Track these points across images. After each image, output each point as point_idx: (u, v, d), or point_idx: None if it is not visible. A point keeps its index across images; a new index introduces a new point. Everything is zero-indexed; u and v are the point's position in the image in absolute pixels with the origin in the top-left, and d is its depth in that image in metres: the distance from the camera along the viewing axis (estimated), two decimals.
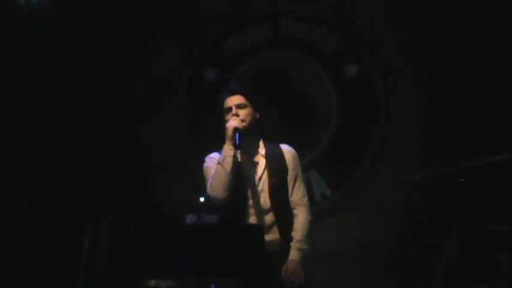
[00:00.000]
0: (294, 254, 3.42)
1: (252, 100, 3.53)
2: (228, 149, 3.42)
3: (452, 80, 4.75)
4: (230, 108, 3.49)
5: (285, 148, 3.61)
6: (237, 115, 3.46)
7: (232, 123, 3.43)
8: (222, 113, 3.54)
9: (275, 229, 3.47)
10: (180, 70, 5.33)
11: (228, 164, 3.39)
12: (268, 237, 3.34)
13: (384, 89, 4.99)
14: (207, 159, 3.58)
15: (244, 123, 3.46)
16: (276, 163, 3.53)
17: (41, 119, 4.80)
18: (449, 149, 4.56)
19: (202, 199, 3.91)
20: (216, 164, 3.43)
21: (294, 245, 3.43)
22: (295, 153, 3.62)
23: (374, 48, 5.05)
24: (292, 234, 3.47)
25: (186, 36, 5.31)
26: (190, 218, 3.56)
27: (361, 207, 4.91)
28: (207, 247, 2.86)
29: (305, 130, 5.06)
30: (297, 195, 3.53)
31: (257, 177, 3.50)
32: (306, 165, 4.85)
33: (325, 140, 5.06)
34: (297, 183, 3.55)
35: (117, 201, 4.27)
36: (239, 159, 3.46)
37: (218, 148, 3.50)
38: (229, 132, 3.41)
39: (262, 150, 3.57)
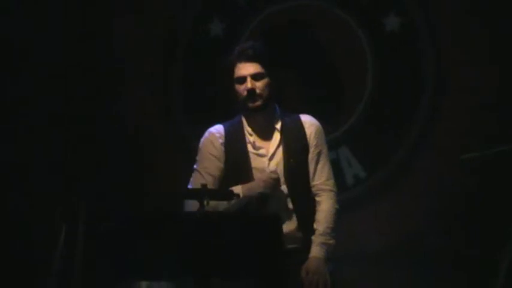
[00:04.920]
0: (316, 251, 3.34)
1: (271, 68, 3.43)
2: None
3: None
4: (243, 79, 3.39)
5: (306, 120, 3.50)
6: (253, 97, 3.37)
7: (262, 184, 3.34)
8: (229, 79, 3.45)
9: (293, 218, 3.38)
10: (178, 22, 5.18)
11: None
12: (284, 228, 3.21)
13: (433, 49, 4.80)
14: (207, 134, 3.50)
15: (262, 98, 3.39)
16: (293, 140, 3.43)
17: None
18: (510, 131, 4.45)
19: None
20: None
21: (317, 239, 3.35)
22: (319, 126, 3.51)
23: None
24: (315, 226, 3.36)
25: None
26: (189, 206, 3.48)
27: (404, 194, 4.78)
28: (210, 242, 2.76)
29: (333, 98, 4.94)
30: (321, 178, 3.45)
31: (268, 157, 3.42)
32: (334, 141, 4.72)
33: (358, 110, 4.92)
34: (320, 164, 3.46)
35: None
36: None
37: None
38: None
39: (278, 124, 3.46)
